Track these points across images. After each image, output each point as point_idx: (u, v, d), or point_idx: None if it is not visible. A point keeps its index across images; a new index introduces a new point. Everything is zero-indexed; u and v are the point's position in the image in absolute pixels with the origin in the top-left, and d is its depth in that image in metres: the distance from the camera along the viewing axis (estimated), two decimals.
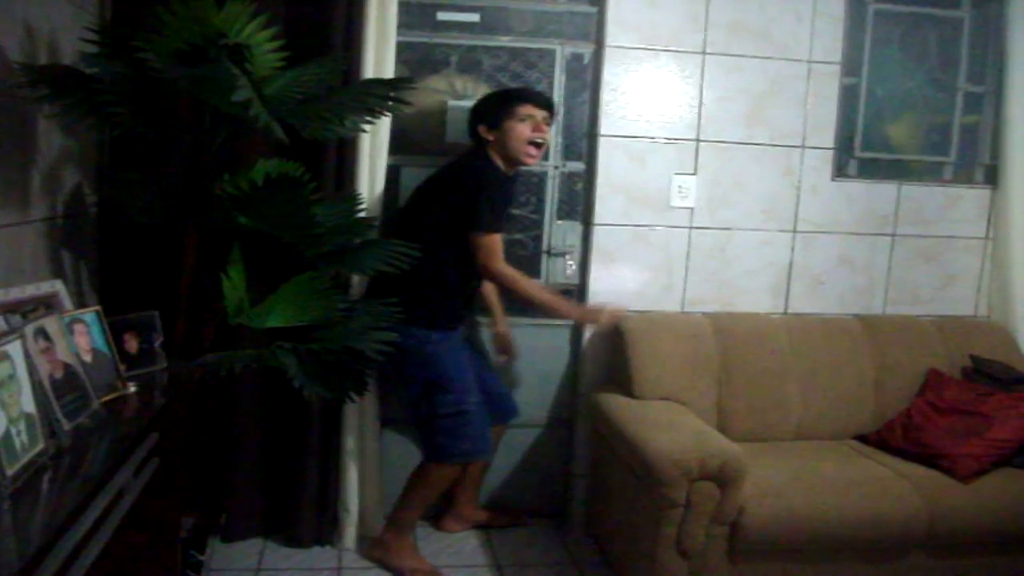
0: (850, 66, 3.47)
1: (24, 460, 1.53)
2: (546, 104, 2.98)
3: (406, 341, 2.79)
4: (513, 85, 3.29)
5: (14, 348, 1.60)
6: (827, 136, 3.47)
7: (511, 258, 3.31)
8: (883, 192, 3.56)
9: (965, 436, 3.03)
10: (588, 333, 3.38)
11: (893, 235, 3.58)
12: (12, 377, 1.56)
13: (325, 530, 3.21)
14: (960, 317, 3.65)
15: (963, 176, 3.65)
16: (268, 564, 3.07)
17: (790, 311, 3.53)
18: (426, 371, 2.93)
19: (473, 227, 2.84)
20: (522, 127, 2.91)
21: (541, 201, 3.39)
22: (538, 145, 2.94)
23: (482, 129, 2.96)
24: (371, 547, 3.14)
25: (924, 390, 3.33)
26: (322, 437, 3.13)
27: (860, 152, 3.54)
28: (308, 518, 3.18)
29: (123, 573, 2.12)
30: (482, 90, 3.27)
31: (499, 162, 2.96)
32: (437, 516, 3.40)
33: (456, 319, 3.04)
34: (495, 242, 2.87)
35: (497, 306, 3.28)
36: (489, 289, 3.25)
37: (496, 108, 2.95)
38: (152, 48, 2.19)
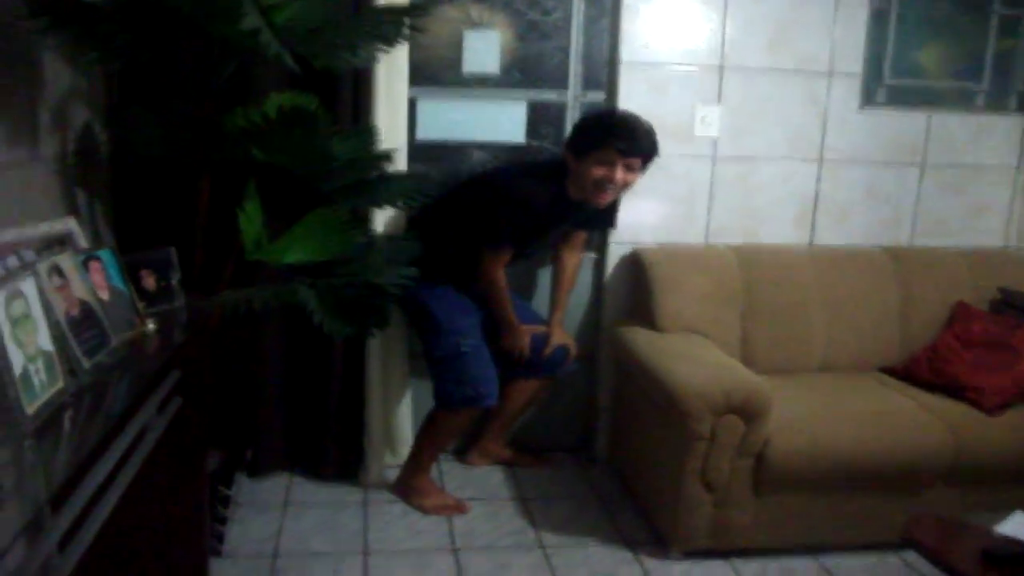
0: None
1: (44, 398, 1.50)
2: (635, 152, 2.79)
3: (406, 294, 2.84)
4: (531, 15, 3.19)
5: (28, 285, 1.56)
6: (855, 63, 3.37)
7: None
8: (912, 121, 3.46)
9: (992, 369, 3.00)
10: (611, 267, 3.34)
11: (922, 165, 3.50)
12: (27, 315, 1.52)
13: (351, 464, 3.22)
14: (989, 249, 3.58)
15: (995, 104, 3.53)
16: (295, 498, 3.10)
17: (815, 243, 3.47)
18: (419, 317, 3.00)
19: (484, 239, 2.91)
20: (597, 170, 2.78)
21: (561, 133, 3.30)
22: (612, 189, 2.83)
23: (568, 155, 2.87)
24: (394, 486, 3.16)
25: (951, 323, 3.28)
26: (346, 372, 3.13)
27: (889, 79, 3.42)
28: (334, 452, 3.21)
29: (152, 508, 2.14)
30: (499, 19, 3.19)
31: (572, 189, 2.88)
32: (462, 449, 3.43)
33: (454, 284, 3.03)
34: (498, 258, 2.93)
35: (560, 307, 3.24)
36: (563, 289, 3.23)
37: (584, 140, 2.83)
38: None
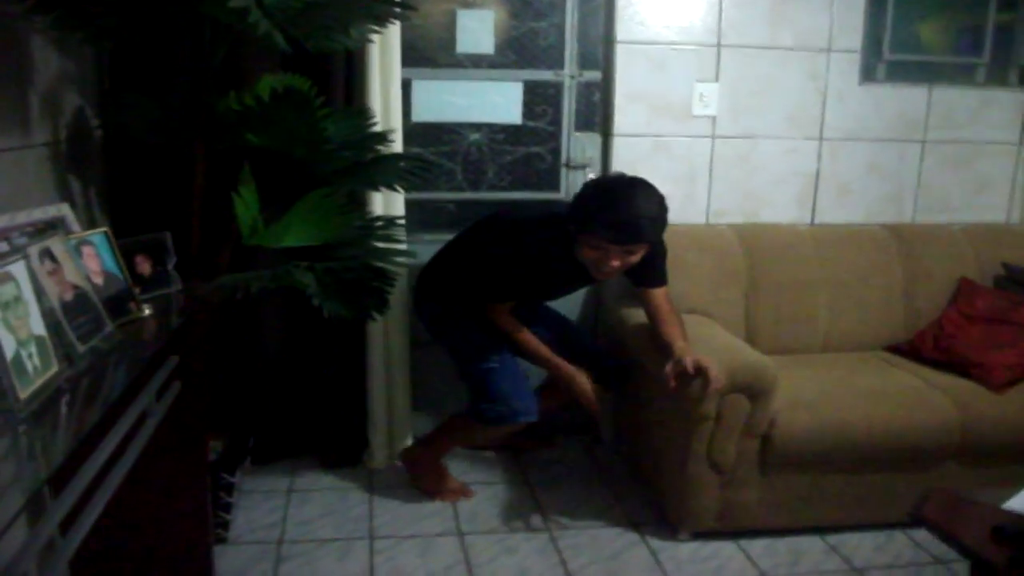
0: None
1: (38, 383, 1.47)
2: (630, 242, 2.52)
3: (423, 314, 2.98)
4: None
5: (18, 269, 1.53)
6: (854, 39, 3.34)
7: (531, 171, 3.31)
8: (913, 96, 3.43)
9: (998, 345, 2.98)
10: None
11: (923, 141, 3.47)
12: (18, 299, 1.50)
13: (355, 450, 3.21)
14: (992, 224, 3.55)
15: (996, 78, 3.50)
16: (299, 485, 3.08)
17: (817, 221, 3.45)
18: (442, 340, 2.98)
19: (484, 294, 2.81)
20: (589, 251, 2.56)
21: (558, 113, 3.29)
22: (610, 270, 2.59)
23: (572, 224, 2.60)
24: (402, 454, 3.15)
25: (956, 299, 3.26)
26: (347, 357, 3.11)
27: (889, 55, 3.38)
28: (338, 438, 3.19)
29: (154, 493, 2.13)
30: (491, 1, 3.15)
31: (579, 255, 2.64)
32: None
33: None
34: (499, 308, 2.80)
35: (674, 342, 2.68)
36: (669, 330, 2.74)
37: (578, 219, 2.56)
38: None
